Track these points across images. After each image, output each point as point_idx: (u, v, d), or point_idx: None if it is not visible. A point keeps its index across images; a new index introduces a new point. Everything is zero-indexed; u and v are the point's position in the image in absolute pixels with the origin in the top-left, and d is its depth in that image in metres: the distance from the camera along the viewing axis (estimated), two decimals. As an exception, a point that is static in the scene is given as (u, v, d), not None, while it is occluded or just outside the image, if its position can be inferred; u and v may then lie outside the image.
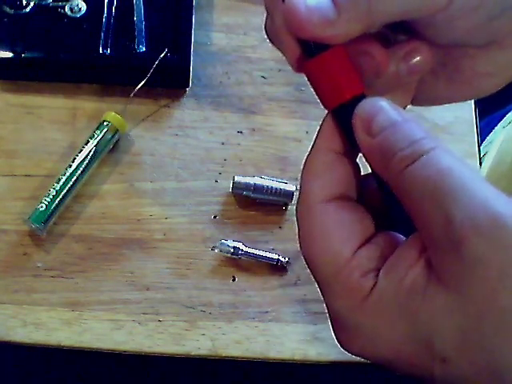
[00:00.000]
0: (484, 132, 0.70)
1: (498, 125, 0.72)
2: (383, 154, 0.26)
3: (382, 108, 0.27)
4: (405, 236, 0.28)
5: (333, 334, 0.29)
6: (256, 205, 0.52)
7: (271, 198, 0.51)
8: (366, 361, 0.47)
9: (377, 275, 0.26)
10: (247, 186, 0.51)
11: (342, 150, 0.29)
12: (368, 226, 0.28)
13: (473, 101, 0.58)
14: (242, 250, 0.49)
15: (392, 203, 0.28)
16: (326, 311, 0.29)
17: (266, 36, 0.57)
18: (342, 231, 0.28)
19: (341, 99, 0.28)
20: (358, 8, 0.26)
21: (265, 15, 0.61)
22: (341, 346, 0.29)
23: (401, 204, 0.26)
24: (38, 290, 0.48)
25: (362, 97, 0.28)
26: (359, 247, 0.27)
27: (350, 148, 0.29)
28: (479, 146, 0.57)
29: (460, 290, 0.24)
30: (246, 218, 0.52)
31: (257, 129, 0.55)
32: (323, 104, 0.29)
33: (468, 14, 0.27)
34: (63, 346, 0.47)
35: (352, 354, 0.28)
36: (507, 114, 0.70)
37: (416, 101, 0.33)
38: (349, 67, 0.28)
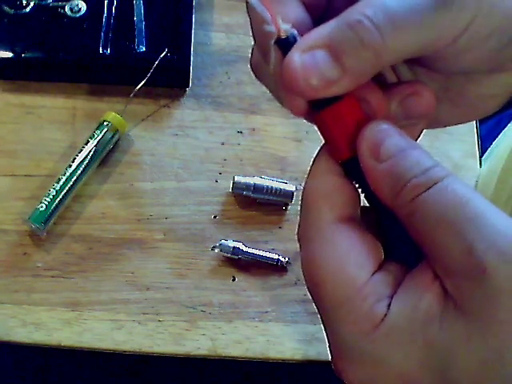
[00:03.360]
0: (485, 139, 0.70)
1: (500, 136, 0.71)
2: (393, 181, 0.25)
3: (390, 133, 0.26)
4: (406, 265, 0.27)
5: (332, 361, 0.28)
6: (256, 205, 0.52)
7: (271, 198, 0.51)
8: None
9: (390, 302, 0.25)
10: (247, 186, 0.51)
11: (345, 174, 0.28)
12: (379, 251, 0.27)
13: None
14: (242, 250, 0.49)
15: (392, 232, 0.28)
16: (326, 338, 0.28)
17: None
18: (358, 254, 0.26)
19: (351, 153, 0.27)
20: (363, 61, 0.24)
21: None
22: (339, 374, 0.27)
23: (402, 234, 0.26)
24: (37, 289, 0.48)
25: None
26: (374, 272, 0.26)
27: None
28: (479, 146, 0.57)
29: (482, 318, 0.23)
30: (246, 218, 0.52)
31: (257, 129, 0.55)
32: (332, 154, 0.28)
33: (476, 46, 0.27)
34: (63, 346, 0.47)
35: None
36: (508, 119, 0.70)
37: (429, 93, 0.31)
38: (360, 116, 0.27)
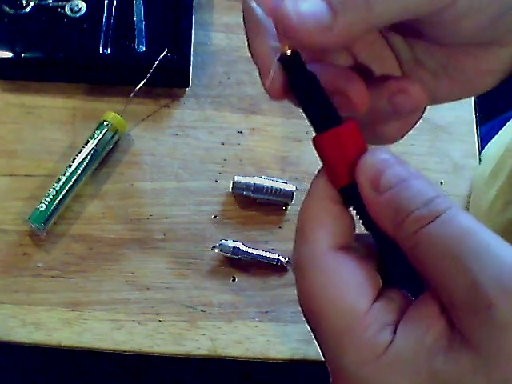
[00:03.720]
0: (485, 139, 0.70)
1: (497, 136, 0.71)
2: (394, 213, 0.25)
3: (389, 163, 0.25)
4: (408, 293, 0.27)
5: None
6: (256, 205, 0.52)
7: (271, 198, 0.51)
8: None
9: (393, 330, 0.25)
10: (247, 186, 0.51)
11: (343, 201, 0.28)
12: (377, 279, 0.27)
13: (472, 101, 0.58)
14: (242, 250, 0.49)
15: (392, 259, 0.27)
16: (329, 370, 0.27)
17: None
18: (357, 282, 0.26)
19: (349, 179, 0.26)
20: (355, 9, 0.24)
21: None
22: None
23: (403, 261, 0.25)
24: (37, 289, 0.48)
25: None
26: (375, 300, 0.26)
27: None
28: (479, 146, 0.57)
29: (488, 352, 0.23)
30: (246, 218, 0.52)
31: (257, 129, 0.55)
32: (331, 179, 0.27)
33: (475, 13, 0.26)
34: (63, 346, 0.47)
35: None
36: (507, 121, 0.70)
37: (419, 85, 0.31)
38: (360, 142, 0.26)
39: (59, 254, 0.49)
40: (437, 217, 0.24)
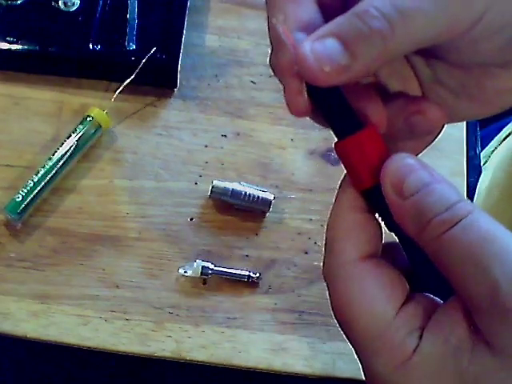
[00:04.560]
0: (484, 142, 0.69)
1: (496, 138, 0.71)
2: (417, 218, 0.26)
3: (413, 168, 0.26)
4: (436, 296, 0.28)
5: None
6: (234, 210, 0.51)
7: (249, 204, 0.50)
8: (332, 375, 0.47)
9: (420, 334, 0.26)
10: (225, 191, 0.50)
11: (368, 209, 0.29)
12: (404, 284, 0.28)
13: (464, 119, 0.58)
14: (212, 269, 0.49)
15: (418, 263, 0.28)
16: (363, 374, 0.28)
17: (259, 41, 0.57)
18: (384, 289, 0.27)
19: (372, 182, 0.27)
20: (372, 46, 0.24)
21: (261, 20, 0.61)
22: None
23: (429, 264, 0.26)
24: (8, 279, 0.48)
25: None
26: (401, 306, 0.27)
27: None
28: (467, 165, 0.56)
29: (510, 355, 0.24)
30: (223, 222, 0.51)
31: (241, 133, 0.54)
32: (353, 183, 0.28)
33: (492, 36, 0.26)
34: (29, 338, 0.47)
35: None
36: (507, 124, 0.69)
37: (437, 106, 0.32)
38: (381, 145, 0.27)
39: (33, 245, 0.49)
40: (458, 222, 0.25)
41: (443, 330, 0.26)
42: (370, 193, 0.28)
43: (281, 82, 0.28)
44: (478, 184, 0.61)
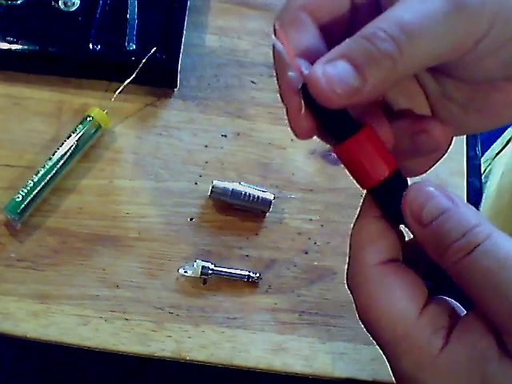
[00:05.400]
0: (485, 144, 0.70)
1: (499, 140, 0.71)
2: (437, 244, 0.27)
3: (431, 195, 0.27)
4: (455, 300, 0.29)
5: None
6: (234, 210, 0.51)
7: (248, 204, 0.50)
8: (332, 375, 0.47)
9: (447, 334, 0.27)
10: (225, 192, 0.50)
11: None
12: (424, 288, 0.29)
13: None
14: (212, 269, 0.49)
15: (439, 274, 0.29)
16: (392, 376, 0.29)
17: (260, 42, 0.57)
18: (406, 291, 0.28)
19: (374, 181, 0.28)
20: (382, 67, 0.25)
21: (261, 20, 0.61)
22: None
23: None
24: (8, 279, 0.48)
25: (397, 173, 0.28)
26: (423, 307, 0.28)
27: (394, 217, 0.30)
28: (467, 165, 0.56)
29: None
30: (223, 222, 0.51)
31: (241, 133, 0.54)
32: (358, 183, 0.29)
33: (497, 51, 0.27)
34: (29, 338, 0.47)
35: None
36: (509, 126, 0.69)
37: (444, 125, 0.33)
38: (379, 145, 0.28)
39: (33, 245, 0.49)
40: (475, 247, 0.26)
41: (472, 334, 0.26)
42: (376, 190, 0.28)
43: (284, 104, 0.29)
44: (486, 188, 0.61)
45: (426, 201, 0.27)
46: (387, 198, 0.28)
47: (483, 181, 0.63)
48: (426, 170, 0.32)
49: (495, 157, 0.68)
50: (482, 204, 0.58)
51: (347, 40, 0.26)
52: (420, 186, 0.28)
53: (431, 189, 0.27)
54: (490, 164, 0.68)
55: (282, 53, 0.27)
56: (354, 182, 0.30)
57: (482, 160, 0.68)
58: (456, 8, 0.25)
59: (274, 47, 0.28)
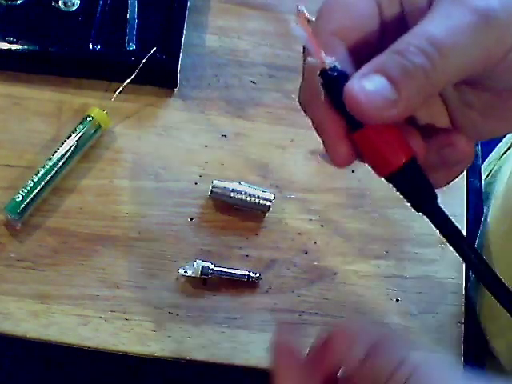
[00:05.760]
0: (485, 146, 0.69)
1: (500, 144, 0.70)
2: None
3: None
4: None
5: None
6: (234, 210, 0.51)
7: (248, 204, 0.50)
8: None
9: None
10: (225, 191, 0.50)
11: None
12: None
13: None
14: (212, 269, 0.49)
15: None
16: None
17: (260, 42, 0.57)
18: None
19: (392, 167, 0.28)
20: (416, 81, 0.26)
21: (261, 20, 0.61)
22: None
23: None
24: (8, 279, 0.48)
25: (412, 161, 0.28)
26: None
27: None
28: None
29: None
30: (223, 222, 0.51)
31: (241, 133, 0.54)
32: (376, 171, 0.29)
33: None
34: (29, 338, 0.47)
35: None
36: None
37: (466, 137, 0.33)
38: (396, 132, 0.28)
39: (33, 245, 0.49)
40: None
41: None
42: (397, 174, 0.28)
43: (318, 133, 0.29)
44: (494, 188, 0.60)
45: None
46: (405, 184, 0.29)
47: (490, 181, 0.63)
48: (450, 182, 0.33)
49: (501, 156, 0.68)
50: (490, 204, 0.58)
51: (379, 56, 0.26)
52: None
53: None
54: (495, 164, 0.68)
55: (301, 38, 0.27)
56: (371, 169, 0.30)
57: (488, 160, 0.68)
58: (483, 21, 0.25)
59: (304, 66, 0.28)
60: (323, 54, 0.27)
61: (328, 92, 0.28)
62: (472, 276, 0.53)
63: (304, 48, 0.29)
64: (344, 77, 0.27)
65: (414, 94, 0.26)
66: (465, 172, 0.56)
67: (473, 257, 0.30)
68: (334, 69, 0.27)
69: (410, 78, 0.25)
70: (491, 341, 0.54)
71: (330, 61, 0.27)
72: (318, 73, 0.27)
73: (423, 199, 0.29)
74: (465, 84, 0.30)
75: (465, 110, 0.31)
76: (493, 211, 0.57)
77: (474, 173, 0.57)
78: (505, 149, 0.69)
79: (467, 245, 0.30)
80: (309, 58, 0.27)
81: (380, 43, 0.30)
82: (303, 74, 0.29)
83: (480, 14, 0.25)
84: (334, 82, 0.27)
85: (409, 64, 0.25)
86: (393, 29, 0.30)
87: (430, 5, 0.27)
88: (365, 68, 0.26)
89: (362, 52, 0.30)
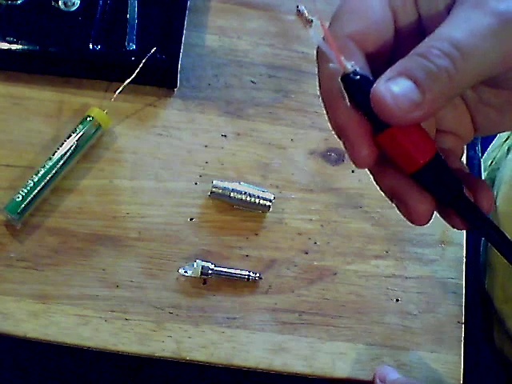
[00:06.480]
0: (485, 142, 0.69)
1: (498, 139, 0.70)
2: None
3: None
4: None
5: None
6: (234, 210, 0.51)
7: (248, 204, 0.50)
8: (332, 375, 0.47)
9: None
10: (225, 191, 0.50)
11: None
12: None
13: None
14: (212, 269, 0.49)
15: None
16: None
17: (260, 42, 0.57)
18: None
19: (419, 164, 0.29)
20: (440, 83, 0.26)
21: (261, 20, 0.61)
22: None
23: None
24: (8, 279, 0.48)
25: (437, 156, 0.29)
26: None
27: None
28: (467, 165, 0.56)
29: None
30: (223, 222, 0.51)
31: (241, 133, 0.54)
32: (401, 168, 0.30)
33: None
34: (29, 338, 0.47)
35: None
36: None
37: (480, 132, 0.34)
38: (420, 130, 0.29)
39: (33, 245, 0.49)
40: None
41: None
42: (421, 172, 0.29)
43: (339, 137, 0.29)
44: (499, 175, 0.60)
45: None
46: (432, 179, 0.29)
47: (494, 167, 0.63)
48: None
49: (504, 142, 0.68)
50: (495, 190, 0.58)
51: (403, 59, 0.27)
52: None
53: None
54: (499, 151, 0.68)
55: (321, 45, 0.27)
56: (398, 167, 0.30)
57: (491, 148, 0.68)
58: (502, 23, 0.26)
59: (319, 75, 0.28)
60: (343, 59, 0.27)
61: (352, 96, 0.28)
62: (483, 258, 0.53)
63: (318, 52, 0.29)
64: (366, 80, 0.28)
65: (438, 95, 0.26)
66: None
67: (507, 245, 0.30)
68: (355, 72, 0.28)
69: (435, 80, 0.26)
70: (507, 322, 0.54)
71: (350, 65, 0.27)
72: (340, 77, 0.28)
73: (450, 192, 0.30)
74: (483, 84, 0.31)
75: (482, 107, 0.32)
76: (501, 196, 0.57)
77: (473, 172, 0.57)
78: (506, 136, 0.69)
79: (499, 233, 0.30)
80: (330, 64, 0.27)
81: (394, 48, 0.30)
82: (319, 79, 0.29)
83: (500, 18, 0.26)
84: (357, 86, 0.28)
85: (433, 66, 0.26)
86: (407, 34, 0.30)
87: (448, 9, 0.28)
88: (390, 71, 0.27)
89: (376, 56, 0.30)
